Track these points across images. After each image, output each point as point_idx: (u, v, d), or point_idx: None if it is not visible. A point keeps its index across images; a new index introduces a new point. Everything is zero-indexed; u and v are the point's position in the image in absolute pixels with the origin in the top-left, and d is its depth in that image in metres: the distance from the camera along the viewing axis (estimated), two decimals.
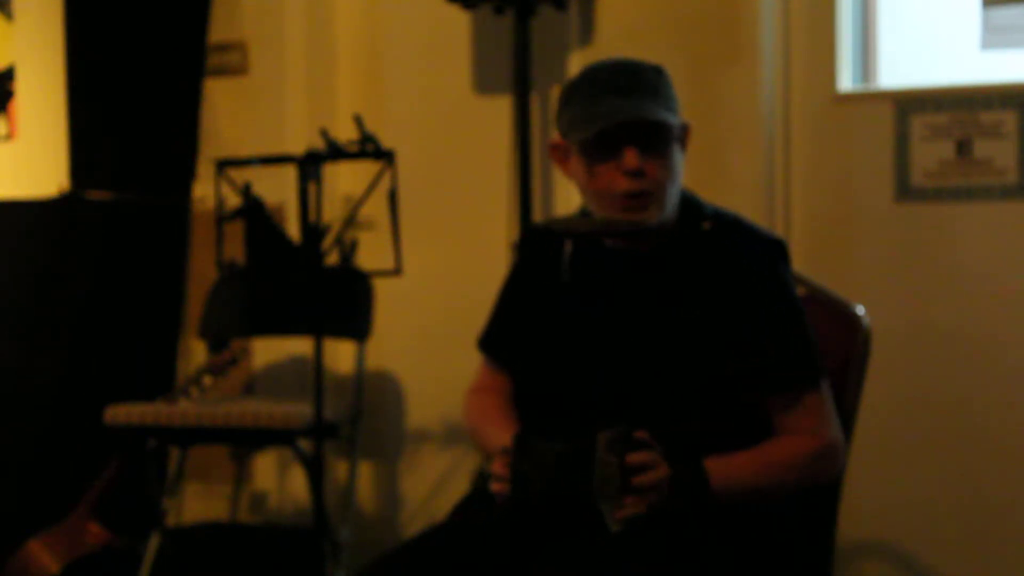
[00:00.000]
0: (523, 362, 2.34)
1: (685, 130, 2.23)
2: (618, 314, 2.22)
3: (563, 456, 2.05)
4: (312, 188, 3.23)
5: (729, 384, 2.16)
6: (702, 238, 2.22)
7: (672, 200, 2.21)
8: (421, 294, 4.07)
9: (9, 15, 4.53)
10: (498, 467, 2.12)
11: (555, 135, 2.28)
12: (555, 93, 3.83)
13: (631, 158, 2.13)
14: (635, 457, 2.02)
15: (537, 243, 2.38)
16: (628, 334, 2.20)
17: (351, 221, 3.37)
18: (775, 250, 2.23)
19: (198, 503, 4.42)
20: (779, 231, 3.65)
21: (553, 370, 2.27)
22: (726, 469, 2.09)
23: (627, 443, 2.04)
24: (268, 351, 4.31)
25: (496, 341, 2.41)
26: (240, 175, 3.45)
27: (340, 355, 4.15)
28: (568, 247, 2.29)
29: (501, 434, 2.18)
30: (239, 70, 4.32)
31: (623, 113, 2.12)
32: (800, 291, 2.55)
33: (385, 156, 3.32)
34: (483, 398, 2.39)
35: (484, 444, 2.30)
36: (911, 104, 3.55)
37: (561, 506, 2.06)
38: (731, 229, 2.24)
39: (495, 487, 2.13)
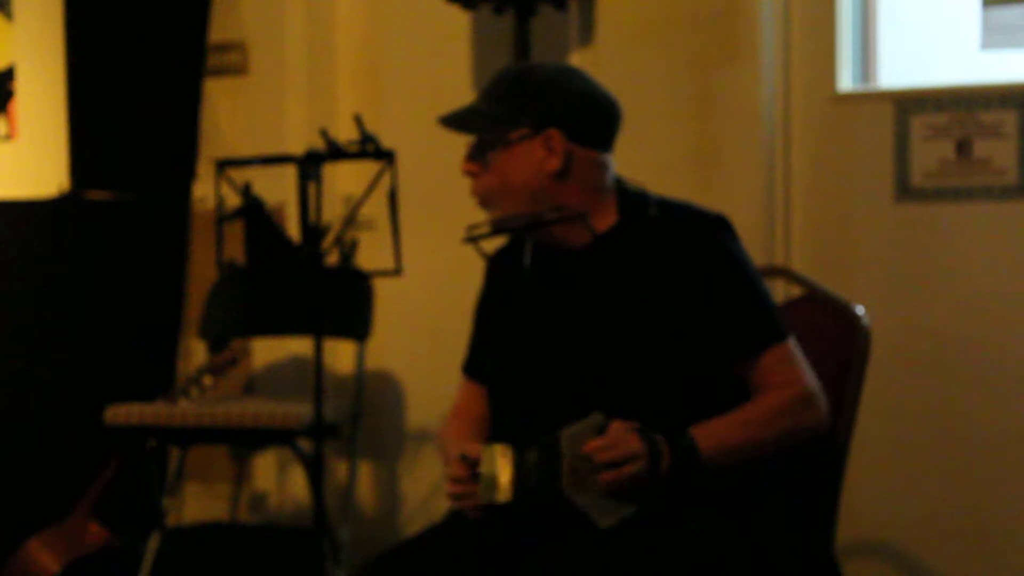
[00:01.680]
0: (500, 371, 2.34)
1: (550, 139, 2.22)
2: (580, 309, 2.24)
3: (530, 458, 2.07)
4: (312, 188, 3.23)
5: (697, 357, 2.18)
6: (648, 226, 2.25)
7: (524, 199, 2.23)
8: (421, 294, 4.07)
9: (9, 15, 4.53)
10: (456, 470, 2.15)
11: None
12: None
13: (464, 161, 2.30)
14: (593, 444, 2.05)
15: (499, 261, 2.41)
16: (592, 327, 2.23)
17: (351, 221, 3.37)
18: (717, 224, 2.26)
19: (198, 503, 4.42)
20: (779, 231, 3.66)
21: (527, 373, 2.28)
22: (711, 433, 2.12)
23: (595, 435, 2.05)
24: (268, 351, 4.31)
25: (474, 361, 2.43)
26: (240, 175, 3.45)
27: (340, 355, 4.15)
28: (527, 254, 2.32)
29: (461, 446, 2.22)
30: (239, 70, 4.32)
31: (444, 117, 2.35)
32: (800, 291, 2.55)
33: (385, 156, 3.32)
34: (452, 424, 2.41)
35: (445, 459, 2.31)
36: (911, 104, 3.55)
37: (537, 507, 2.07)
38: (673, 212, 2.27)
39: (449, 488, 2.16)
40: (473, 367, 2.43)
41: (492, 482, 2.09)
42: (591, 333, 2.22)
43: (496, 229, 2.29)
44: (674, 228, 2.24)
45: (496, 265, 2.42)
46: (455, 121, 2.32)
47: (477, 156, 2.28)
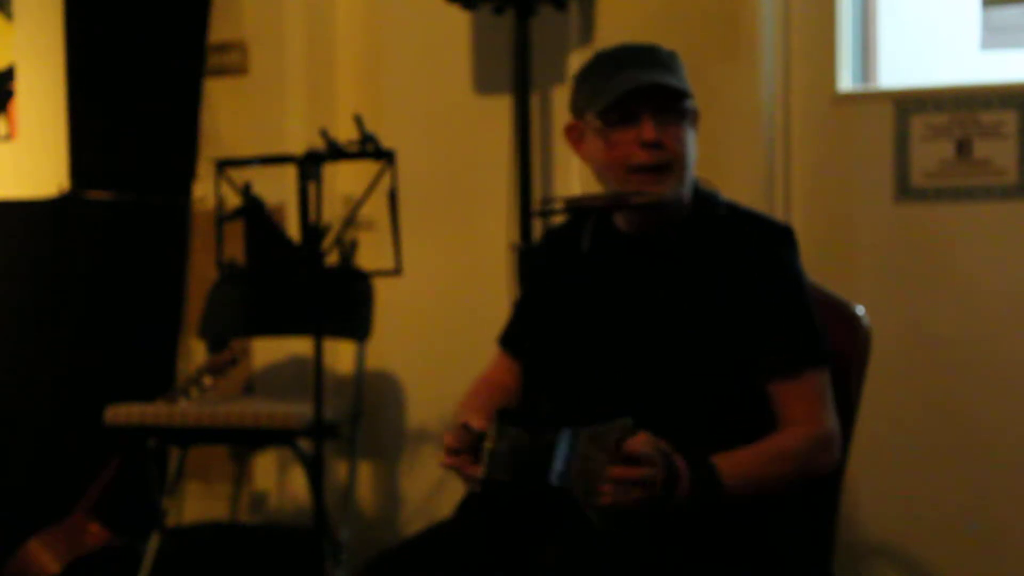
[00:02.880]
0: (538, 351, 2.36)
1: (696, 115, 2.28)
2: (631, 300, 2.25)
3: (544, 445, 2.06)
4: (312, 188, 3.23)
5: (736, 367, 2.18)
6: (714, 225, 2.26)
7: (688, 177, 2.24)
8: (421, 294, 4.07)
9: (9, 15, 4.53)
10: (448, 439, 2.14)
11: (569, 119, 2.33)
12: (555, 93, 3.83)
13: (649, 129, 2.18)
14: (634, 444, 2.01)
15: (556, 243, 2.42)
16: (641, 319, 2.23)
17: (351, 221, 3.37)
18: (782, 235, 2.27)
19: (198, 503, 4.42)
20: None
21: (567, 357, 2.30)
22: (734, 466, 2.10)
23: (620, 441, 2.05)
24: (268, 351, 4.31)
25: (513, 335, 2.45)
26: (240, 175, 3.45)
27: (340, 355, 4.15)
28: (587, 237, 2.32)
29: (470, 417, 2.19)
30: (239, 70, 4.32)
31: (643, 80, 2.17)
32: None
33: (385, 156, 3.32)
34: (475, 388, 2.42)
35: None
36: (911, 104, 3.55)
37: (531, 494, 2.07)
38: (740, 217, 2.28)
39: (445, 460, 2.15)
40: (508, 340, 2.44)
41: (498, 459, 2.07)
42: (642, 324, 2.23)
43: (569, 208, 2.25)
44: (741, 232, 2.24)
45: (554, 244, 2.42)
46: (673, 83, 2.22)
47: (680, 122, 2.22)
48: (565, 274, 2.35)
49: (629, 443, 2.01)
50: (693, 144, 2.26)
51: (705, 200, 2.29)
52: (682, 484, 2.03)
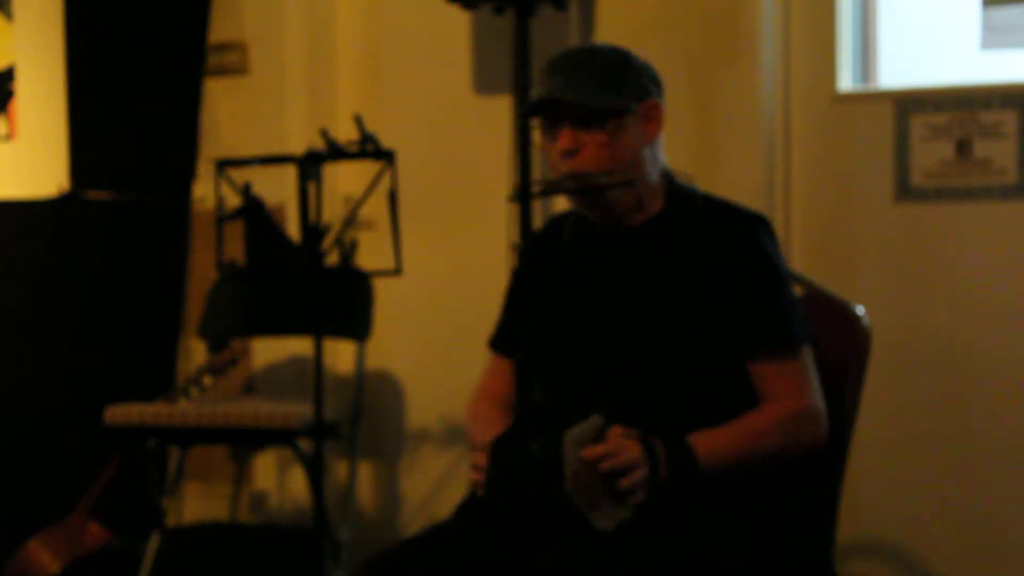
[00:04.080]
0: (527, 346, 2.36)
1: (652, 108, 2.27)
2: (615, 290, 2.27)
3: (533, 459, 2.07)
4: (312, 188, 3.23)
5: (717, 351, 2.20)
6: (691, 216, 2.28)
7: (633, 171, 2.24)
8: (421, 294, 4.07)
9: (9, 15, 4.53)
10: (477, 458, 2.17)
11: None
12: None
13: (563, 139, 2.25)
14: (595, 451, 2.04)
15: (538, 241, 2.45)
16: (623, 311, 2.25)
17: (351, 221, 3.37)
18: (756, 222, 2.29)
19: (198, 503, 4.42)
20: (779, 231, 3.64)
21: (553, 351, 2.30)
22: (711, 443, 2.12)
23: (597, 439, 2.06)
24: (268, 351, 4.31)
25: (502, 335, 2.46)
26: (240, 175, 3.45)
27: (340, 355, 4.15)
28: (568, 229, 2.34)
29: (488, 434, 2.22)
30: (239, 70, 4.32)
31: (547, 94, 2.24)
32: (800, 291, 2.55)
33: (385, 156, 3.32)
34: (481, 405, 2.44)
35: (472, 445, 2.33)
36: (911, 104, 3.55)
37: (539, 509, 2.08)
38: (716, 207, 2.31)
39: (472, 476, 2.17)
40: (500, 342, 2.45)
41: (497, 482, 2.09)
42: (622, 315, 2.24)
43: (545, 190, 2.29)
44: (715, 222, 2.27)
45: (537, 243, 2.45)
46: (573, 95, 2.24)
47: (599, 129, 2.23)
48: (549, 273, 2.37)
49: (606, 438, 2.06)
50: (635, 137, 2.25)
51: (681, 192, 2.31)
52: (662, 466, 2.07)
